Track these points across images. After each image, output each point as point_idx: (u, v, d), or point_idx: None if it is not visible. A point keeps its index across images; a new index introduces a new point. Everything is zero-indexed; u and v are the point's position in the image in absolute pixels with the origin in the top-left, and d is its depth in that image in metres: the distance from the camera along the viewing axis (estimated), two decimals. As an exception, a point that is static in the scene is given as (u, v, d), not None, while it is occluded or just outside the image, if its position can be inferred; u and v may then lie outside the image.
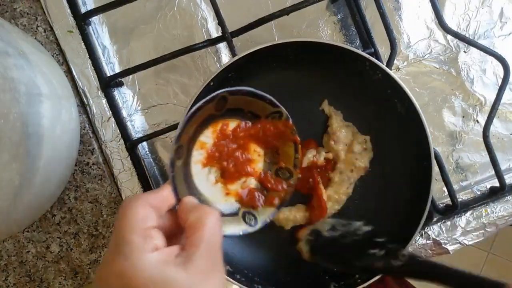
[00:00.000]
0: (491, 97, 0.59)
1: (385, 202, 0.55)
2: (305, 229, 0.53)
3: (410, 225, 0.51)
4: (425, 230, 0.59)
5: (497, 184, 0.57)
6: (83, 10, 0.58)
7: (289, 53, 0.53)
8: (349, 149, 0.56)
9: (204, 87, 0.50)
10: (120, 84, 0.61)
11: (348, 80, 0.54)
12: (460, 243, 0.58)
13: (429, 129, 0.50)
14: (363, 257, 0.47)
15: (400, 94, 0.50)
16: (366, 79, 0.52)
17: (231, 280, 0.51)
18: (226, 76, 0.52)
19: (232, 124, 0.49)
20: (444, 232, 0.58)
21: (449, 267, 0.42)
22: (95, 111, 0.58)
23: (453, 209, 0.57)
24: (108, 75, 0.59)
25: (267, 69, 0.55)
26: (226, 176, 0.49)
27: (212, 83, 0.51)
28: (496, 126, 0.62)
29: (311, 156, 0.55)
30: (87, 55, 0.58)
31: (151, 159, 0.61)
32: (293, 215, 0.56)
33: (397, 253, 0.45)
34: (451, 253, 0.58)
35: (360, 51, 0.50)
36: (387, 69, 0.50)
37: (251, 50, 0.50)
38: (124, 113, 0.60)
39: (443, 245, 0.58)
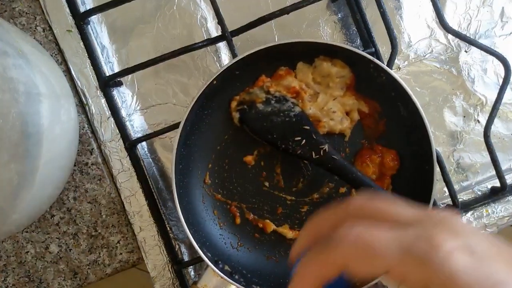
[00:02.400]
0: (492, 97, 0.59)
1: None
2: (242, 94, 0.55)
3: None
4: (426, 231, 0.58)
5: (498, 184, 0.57)
6: (82, 9, 0.58)
7: (294, 53, 0.53)
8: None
9: (207, 85, 0.50)
10: (119, 84, 0.61)
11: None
12: (460, 243, 0.58)
13: (430, 130, 0.49)
14: (288, 140, 0.52)
15: (404, 97, 0.50)
16: (370, 81, 0.52)
17: (229, 280, 0.51)
18: (230, 75, 0.52)
19: None
20: (445, 232, 0.58)
21: (356, 173, 0.50)
22: (94, 110, 0.58)
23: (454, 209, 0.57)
24: (107, 74, 0.58)
25: (268, 69, 0.55)
26: None
27: (215, 82, 0.51)
28: (497, 126, 0.61)
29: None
30: (86, 54, 0.58)
31: (150, 159, 0.61)
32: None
33: (318, 147, 0.51)
34: (451, 253, 0.58)
35: (364, 53, 0.50)
36: (392, 72, 0.50)
37: (258, 48, 0.50)
38: (123, 113, 0.60)
39: (443, 246, 0.58)
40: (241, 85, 0.55)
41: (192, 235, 0.50)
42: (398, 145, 0.55)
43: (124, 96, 0.61)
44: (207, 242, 0.54)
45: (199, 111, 0.53)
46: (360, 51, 0.50)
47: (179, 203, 0.50)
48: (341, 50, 0.50)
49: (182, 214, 0.50)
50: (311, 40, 0.50)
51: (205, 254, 0.51)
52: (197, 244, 0.50)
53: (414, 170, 0.53)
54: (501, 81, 0.57)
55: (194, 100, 0.50)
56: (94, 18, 0.60)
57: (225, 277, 0.50)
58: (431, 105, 0.61)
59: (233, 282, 0.51)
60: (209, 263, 0.50)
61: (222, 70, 0.50)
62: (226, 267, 0.52)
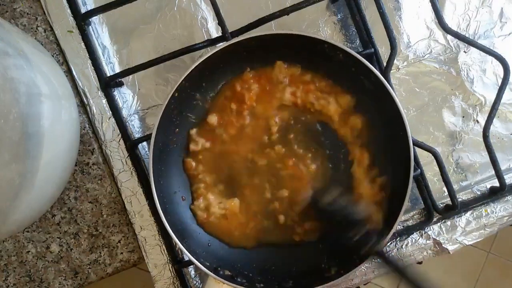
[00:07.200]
0: (491, 97, 0.59)
1: None
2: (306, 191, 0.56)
3: (393, 207, 0.51)
4: (425, 230, 0.59)
5: (497, 184, 0.57)
6: (83, 10, 0.59)
7: (278, 46, 0.53)
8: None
9: (188, 73, 0.51)
10: (120, 84, 0.61)
11: (317, 66, 0.55)
12: (460, 243, 0.58)
13: (395, 94, 0.50)
14: (342, 233, 0.52)
15: (364, 70, 0.51)
16: (331, 62, 0.53)
17: (232, 284, 0.50)
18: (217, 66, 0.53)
19: None
20: (444, 232, 0.58)
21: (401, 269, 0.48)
22: (95, 111, 0.58)
23: (453, 209, 0.57)
24: (108, 75, 0.59)
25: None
26: None
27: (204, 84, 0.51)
28: (496, 126, 0.62)
29: None
30: (87, 55, 0.58)
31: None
32: None
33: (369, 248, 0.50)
34: (451, 253, 0.58)
35: (315, 35, 0.51)
36: (346, 48, 0.50)
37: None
38: (124, 113, 0.60)
39: (443, 245, 0.58)
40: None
41: (186, 249, 0.51)
42: (371, 117, 0.55)
43: (125, 96, 0.61)
44: (203, 252, 0.54)
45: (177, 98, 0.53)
46: (311, 35, 0.50)
47: (169, 226, 0.51)
48: (298, 37, 0.51)
49: (172, 231, 0.51)
50: (262, 34, 0.51)
51: (203, 264, 0.51)
52: (193, 256, 0.50)
53: (390, 138, 0.53)
54: (500, 81, 0.57)
55: (177, 85, 0.51)
56: (95, 19, 0.60)
57: (227, 282, 0.50)
58: (430, 105, 0.61)
59: (236, 285, 0.51)
60: (209, 272, 0.50)
61: (209, 55, 0.51)
62: (227, 272, 0.52)
